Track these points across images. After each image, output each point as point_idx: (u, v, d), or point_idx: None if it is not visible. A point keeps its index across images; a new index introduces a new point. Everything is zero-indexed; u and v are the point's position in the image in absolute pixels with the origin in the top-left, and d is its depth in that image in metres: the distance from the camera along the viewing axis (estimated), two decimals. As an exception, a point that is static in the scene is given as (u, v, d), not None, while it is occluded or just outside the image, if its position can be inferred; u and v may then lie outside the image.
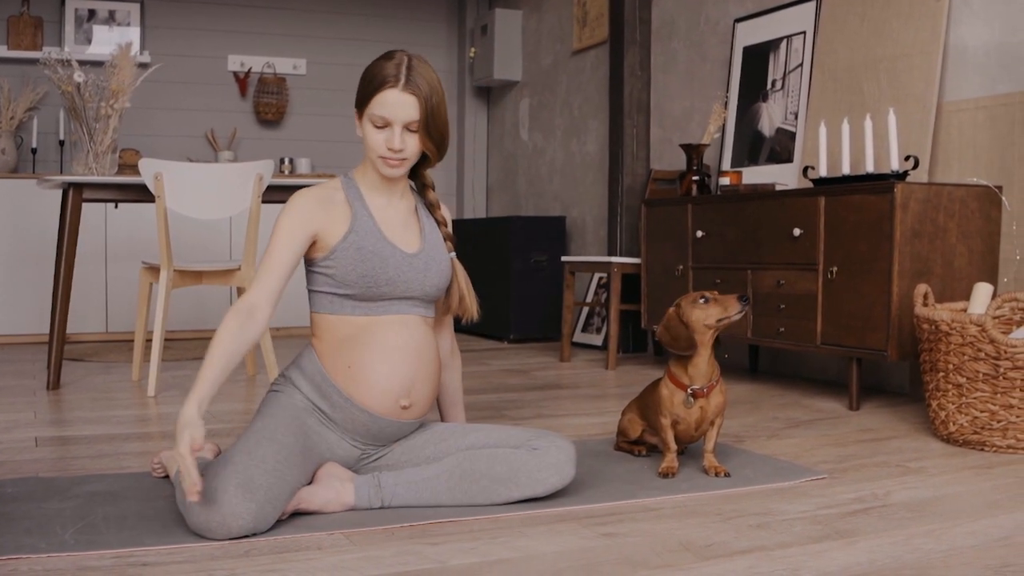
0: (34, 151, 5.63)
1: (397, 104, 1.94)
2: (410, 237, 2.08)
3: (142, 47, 5.88)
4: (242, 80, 6.16)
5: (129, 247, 5.44)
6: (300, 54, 6.34)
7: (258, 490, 1.73)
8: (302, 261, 2.06)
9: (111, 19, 5.86)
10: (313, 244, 2.02)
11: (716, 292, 2.25)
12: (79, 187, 3.57)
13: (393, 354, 1.99)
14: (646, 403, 2.38)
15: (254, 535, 1.73)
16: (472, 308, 2.17)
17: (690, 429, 2.24)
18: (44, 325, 5.29)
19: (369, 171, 2.08)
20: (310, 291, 2.07)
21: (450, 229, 2.19)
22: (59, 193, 5.16)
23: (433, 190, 2.20)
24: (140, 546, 1.68)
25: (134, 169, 5.35)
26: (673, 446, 2.24)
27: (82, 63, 4.90)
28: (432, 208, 2.18)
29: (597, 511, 1.94)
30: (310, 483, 1.93)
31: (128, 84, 3.84)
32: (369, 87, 1.96)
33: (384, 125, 1.96)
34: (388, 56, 1.98)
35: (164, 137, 6.02)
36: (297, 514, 1.86)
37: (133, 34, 5.88)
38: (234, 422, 2.94)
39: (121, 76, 3.83)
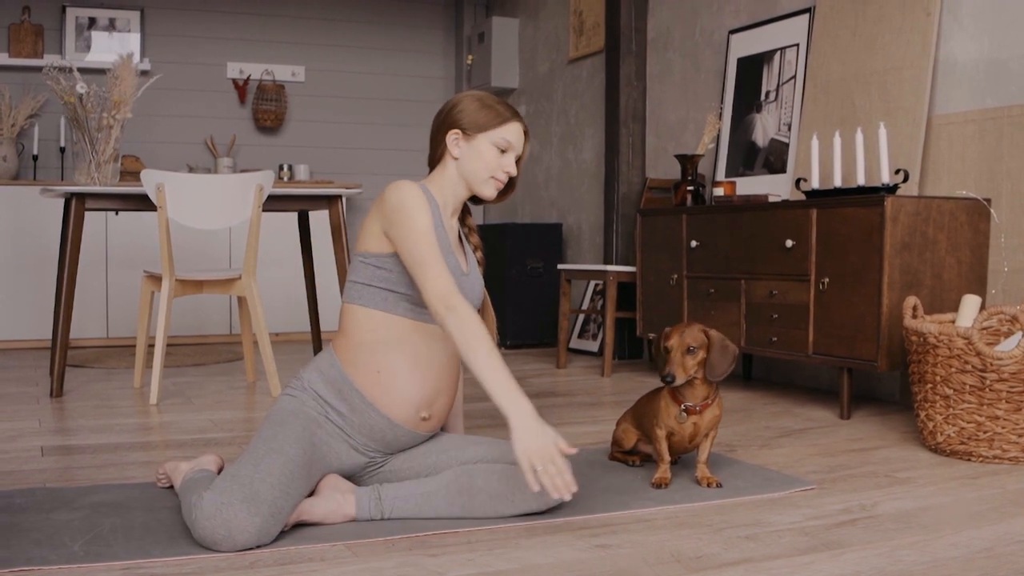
0: (35, 158, 5.67)
1: (521, 138, 2.16)
2: (460, 257, 2.18)
3: (142, 54, 5.93)
4: (241, 87, 6.21)
5: (130, 253, 5.49)
6: (299, 61, 6.39)
7: (263, 504, 1.78)
8: (365, 252, 2.08)
9: (111, 27, 5.90)
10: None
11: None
12: (82, 197, 3.62)
13: (423, 364, 2.05)
14: (642, 412, 2.43)
15: (258, 547, 1.78)
16: (494, 329, 2.31)
17: (684, 441, 2.30)
18: (45, 330, 5.34)
19: (445, 190, 2.15)
20: (358, 284, 2.08)
21: (482, 254, 2.31)
22: (60, 200, 5.21)
23: (471, 216, 2.32)
24: (148, 557, 1.72)
25: (134, 176, 5.40)
26: (667, 457, 2.29)
27: (81, 70, 4.94)
28: (469, 232, 2.30)
29: (592, 522, 1.99)
30: (312, 494, 1.98)
31: (130, 95, 3.89)
32: (500, 116, 2.13)
33: (505, 151, 2.13)
34: (492, 97, 2.16)
35: (164, 144, 6.07)
36: (299, 525, 1.91)
37: (133, 41, 5.93)
38: (235, 431, 2.99)
39: (123, 87, 3.87)
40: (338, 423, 2.05)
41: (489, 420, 3.18)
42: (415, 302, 2.05)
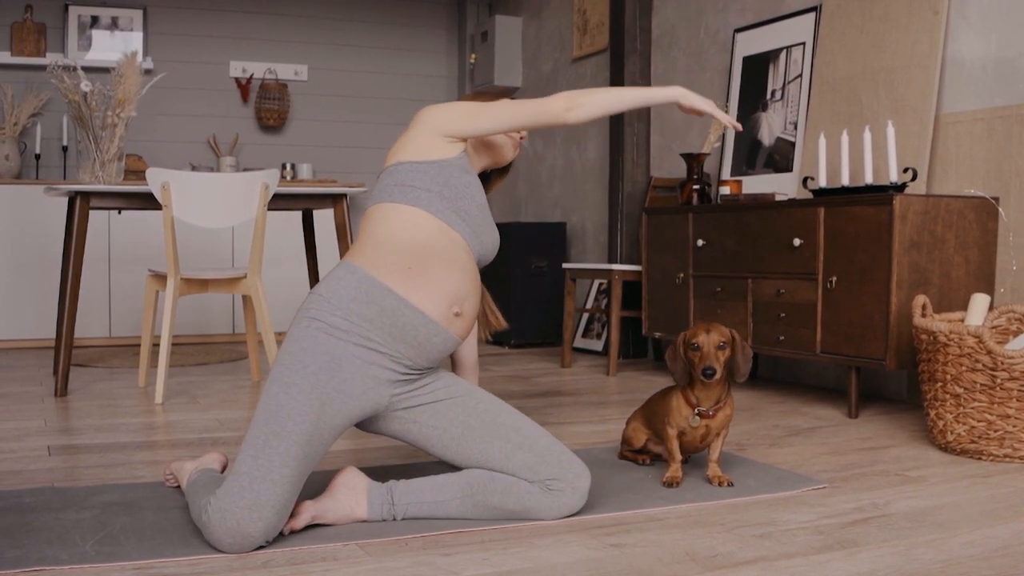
0: (38, 157, 5.66)
1: None
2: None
3: (144, 53, 5.92)
4: (244, 86, 6.20)
5: (132, 252, 5.48)
6: (301, 60, 6.38)
7: (265, 507, 1.76)
8: (408, 159, 2.13)
9: (114, 25, 5.89)
10: (447, 140, 2.13)
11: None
12: (87, 195, 3.60)
13: (453, 264, 2.03)
14: (653, 411, 2.42)
15: (267, 543, 1.79)
16: (492, 304, 2.48)
17: (695, 440, 2.29)
18: (47, 330, 5.33)
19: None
20: (391, 185, 2.09)
21: None
22: (63, 199, 5.19)
23: None
24: (160, 557, 1.71)
25: (137, 175, 5.39)
26: (678, 456, 2.28)
27: (83, 69, 4.93)
28: None
29: (604, 521, 1.98)
30: (324, 491, 1.97)
31: (134, 93, 3.87)
32: (506, 92, 2.33)
33: None
34: None
35: (166, 143, 6.06)
36: (312, 525, 1.91)
37: (135, 40, 5.91)
38: (242, 430, 2.98)
39: (127, 85, 3.86)
40: (364, 333, 1.92)
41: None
42: (448, 205, 2.07)
